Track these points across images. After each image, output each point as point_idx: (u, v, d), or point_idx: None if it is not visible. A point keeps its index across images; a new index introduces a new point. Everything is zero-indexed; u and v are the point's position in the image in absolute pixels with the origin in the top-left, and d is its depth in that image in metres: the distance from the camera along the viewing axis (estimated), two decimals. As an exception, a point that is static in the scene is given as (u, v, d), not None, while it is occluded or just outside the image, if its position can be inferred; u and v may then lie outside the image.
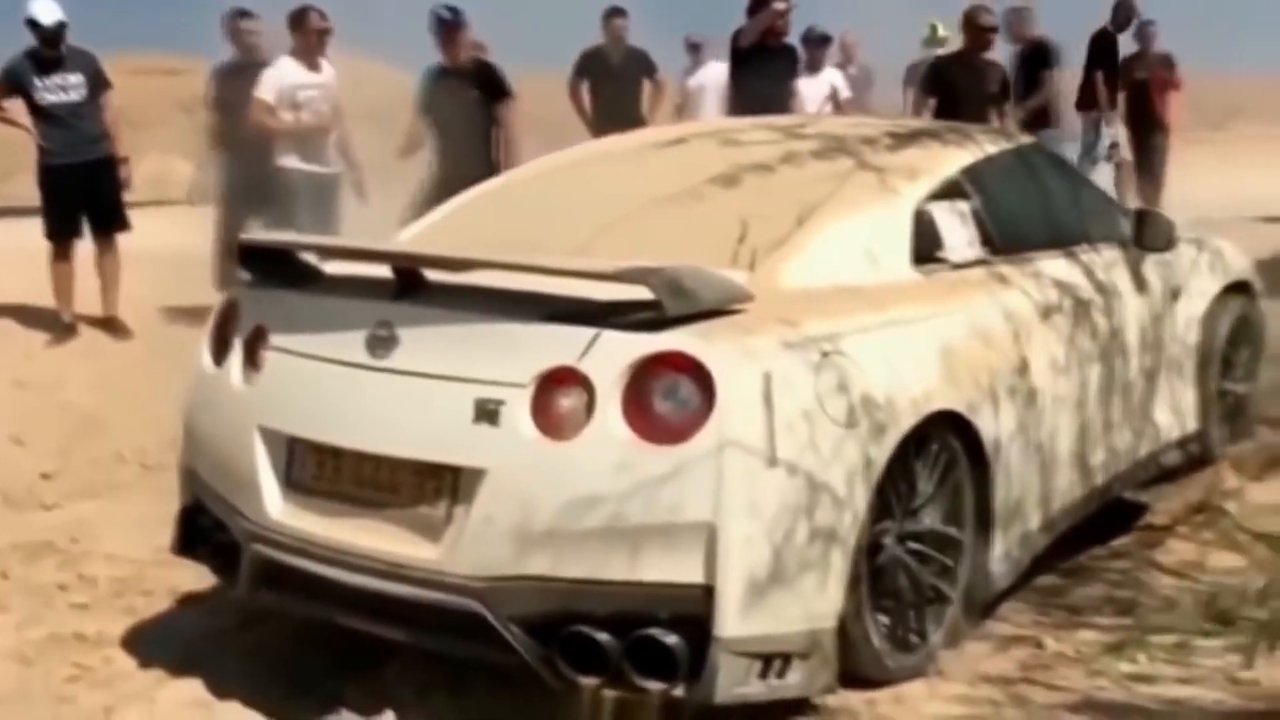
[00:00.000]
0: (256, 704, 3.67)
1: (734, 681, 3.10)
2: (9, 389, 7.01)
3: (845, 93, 9.86)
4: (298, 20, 7.96)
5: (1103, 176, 11.03)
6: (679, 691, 3.08)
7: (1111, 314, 4.47)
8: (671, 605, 3.07)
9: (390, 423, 3.32)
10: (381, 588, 3.28)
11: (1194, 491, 5.03)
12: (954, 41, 10.55)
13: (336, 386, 3.43)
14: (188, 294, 7.95)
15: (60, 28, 7.58)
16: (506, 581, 3.12)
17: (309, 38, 7.94)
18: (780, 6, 7.93)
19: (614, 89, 9.39)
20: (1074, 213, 4.72)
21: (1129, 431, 4.62)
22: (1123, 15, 11.14)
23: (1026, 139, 4.94)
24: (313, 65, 7.94)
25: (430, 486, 3.27)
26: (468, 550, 3.17)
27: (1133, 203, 10.91)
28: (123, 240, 7.84)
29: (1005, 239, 4.17)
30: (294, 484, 3.50)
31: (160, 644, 4.18)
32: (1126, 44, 11.34)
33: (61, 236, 7.72)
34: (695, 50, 11.07)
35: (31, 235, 7.92)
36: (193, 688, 3.78)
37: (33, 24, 7.55)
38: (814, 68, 9.92)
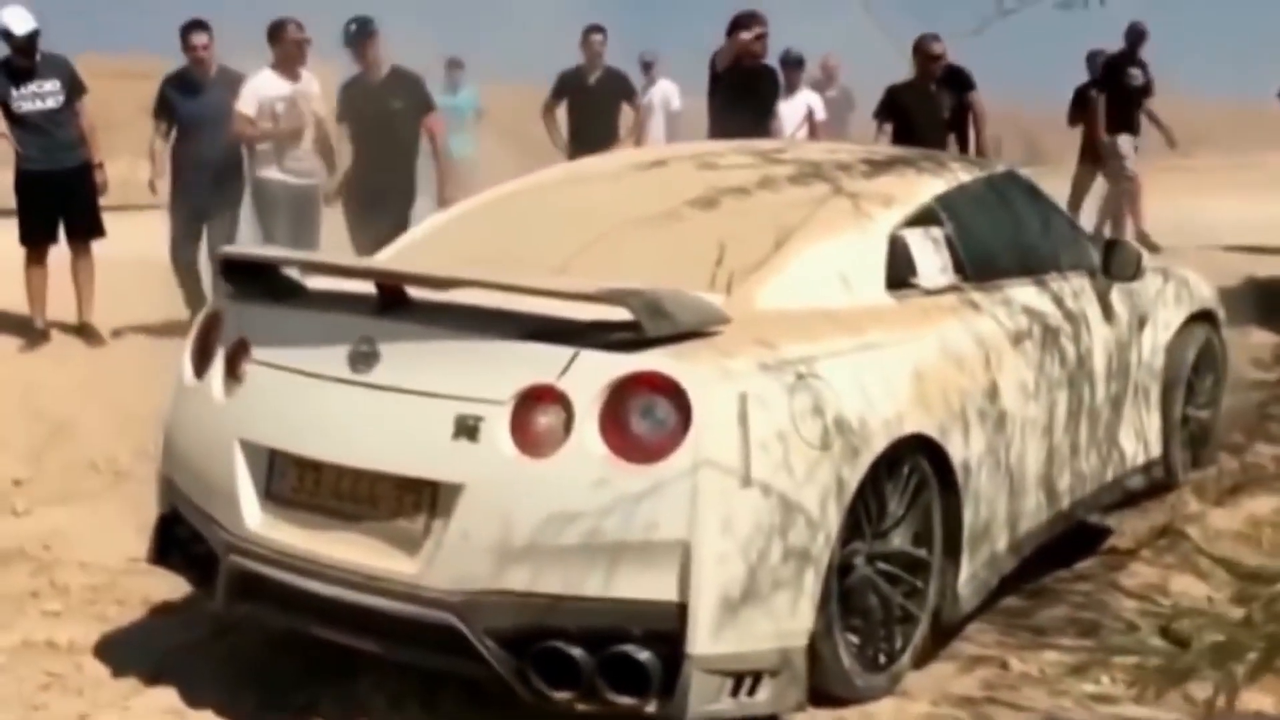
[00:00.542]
0: (230, 713, 3.70)
1: (705, 699, 3.15)
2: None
3: (820, 115, 9.95)
4: (275, 32, 7.96)
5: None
6: (651, 708, 3.13)
7: (1079, 341, 4.55)
8: (645, 622, 3.12)
9: (370, 437, 3.36)
10: (358, 600, 3.32)
11: (1157, 515, 5.12)
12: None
13: (318, 400, 3.46)
14: (159, 300, 7.99)
15: (33, 36, 7.59)
16: (482, 596, 3.17)
17: (287, 49, 7.95)
18: (746, 36, 7.88)
19: (591, 110, 9.42)
20: (1044, 241, 4.80)
21: (1094, 456, 4.70)
22: (1133, 39, 11.28)
23: (1000, 167, 5.02)
24: (292, 76, 7.95)
25: (409, 501, 3.31)
26: (444, 564, 3.21)
27: (1141, 222, 11.08)
28: (96, 246, 7.84)
29: (977, 266, 4.24)
30: (273, 496, 3.53)
31: (133, 652, 4.19)
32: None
33: (36, 242, 7.72)
34: (647, 69, 11.19)
35: (6, 240, 7.90)
36: (166, 696, 3.79)
37: (5, 34, 7.56)
38: (790, 89, 10.01)
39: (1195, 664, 3.07)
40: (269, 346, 3.62)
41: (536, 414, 3.20)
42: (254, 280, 3.80)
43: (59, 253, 7.85)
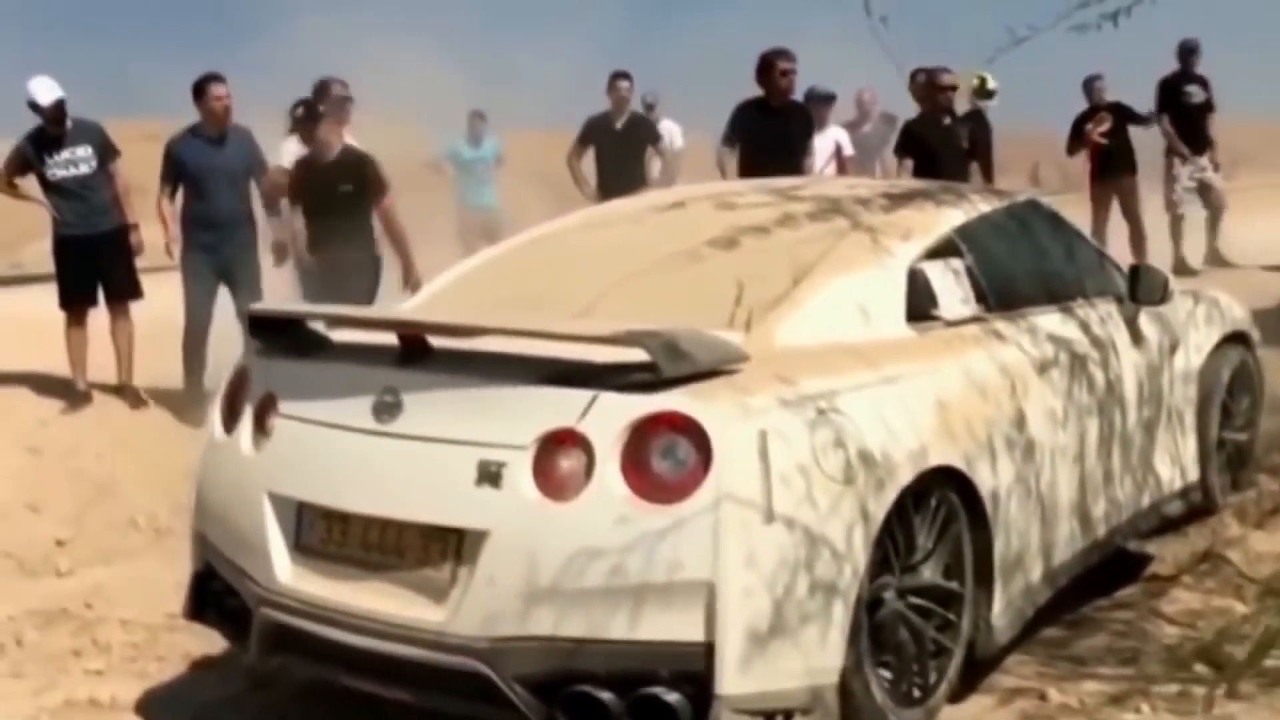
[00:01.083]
0: (267, 766, 3.73)
1: (736, 739, 3.13)
2: (24, 456, 7.08)
3: (849, 150, 9.94)
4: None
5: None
6: (681, 749, 3.11)
7: (1108, 367, 4.52)
8: (672, 663, 3.11)
9: (396, 487, 3.38)
10: (388, 650, 3.33)
11: (1197, 540, 5.07)
12: (1002, 92, 10.77)
13: (344, 452, 3.49)
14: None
15: (60, 105, 7.71)
16: (510, 642, 3.17)
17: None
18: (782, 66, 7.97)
19: (618, 155, 9.41)
20: (1069, 268, 4.79)
21: (1129, 482, 4.66)
22: (1184, 55, 11.24)
23: (1021, 196, 5.01)
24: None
25: (435, 549, 3.33)
26: (472, 611, 3.22)
27: (1214, 237, 10.97)
28: (135, 308, 7.95)
29: (1000, 295, 4.24)
30: (303, 548, 3.56)
31: (173, 708, 4.24)
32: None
33: (75, 305, 7.83)
34: (649, 110, 11.27)
35: (47, 303, 8.03)
36: (205, 751, 3.83)
37: (33, 105, 7.70)
38: (819, 125, 10.02)
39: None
40: (295, 400, 3.66)
41: (558, 457, 3.21)
42: (280, 335, 3.85)
43: (99, 315, 7.95)
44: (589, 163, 9.65)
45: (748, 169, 7.87)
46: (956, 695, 3.76)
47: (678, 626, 3.10)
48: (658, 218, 4.64)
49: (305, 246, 7.52)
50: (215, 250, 7.83)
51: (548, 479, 3.21)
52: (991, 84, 10.87)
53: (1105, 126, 11.05)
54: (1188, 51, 11.25)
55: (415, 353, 3.53)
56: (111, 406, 7.78)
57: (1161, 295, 4.85)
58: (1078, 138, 11.38)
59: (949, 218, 4.34)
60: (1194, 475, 5.12)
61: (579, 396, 3.22)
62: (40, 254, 8.53)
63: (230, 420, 3.85)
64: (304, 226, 7.50)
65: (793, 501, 3.19)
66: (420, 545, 3.35)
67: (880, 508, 3.38)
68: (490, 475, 3.24)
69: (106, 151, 7.86)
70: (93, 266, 7.76)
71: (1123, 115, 11.23)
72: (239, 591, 3.71)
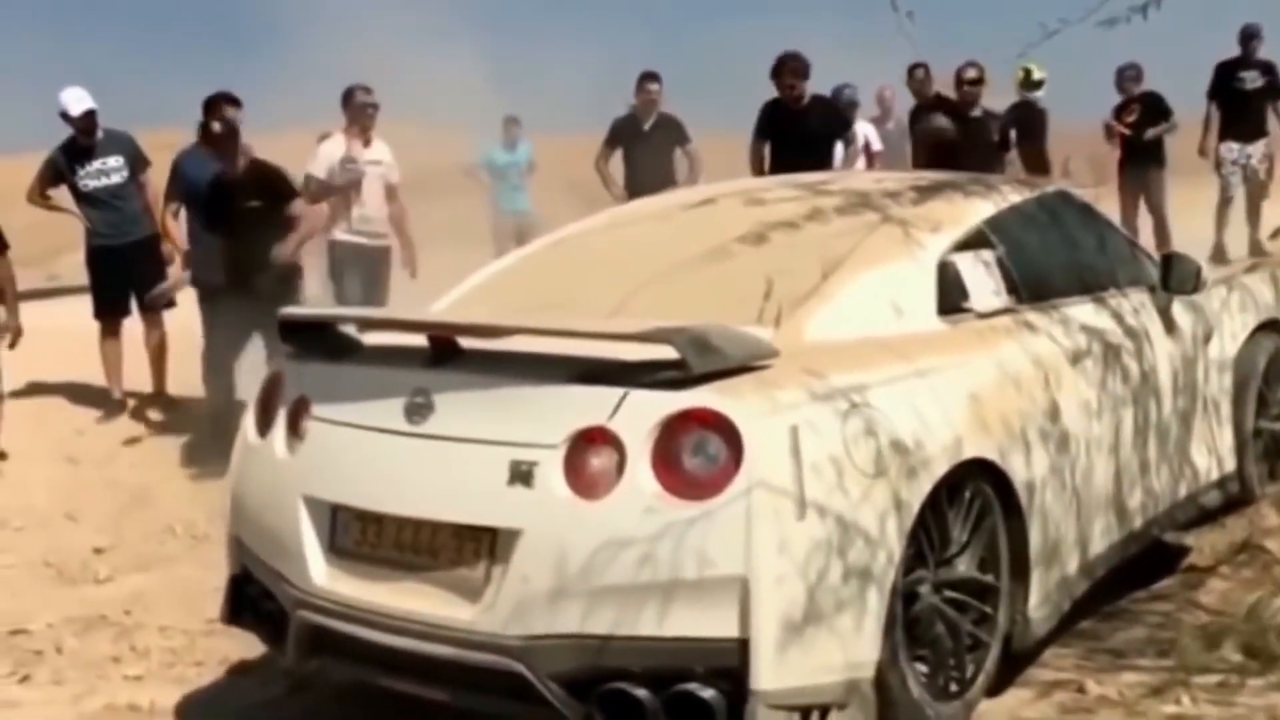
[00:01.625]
0: (306, 768, 3.75)
1: (772, 734, 3.13)
2: (61, 466, 7.17)
3: (876, 145, 9.94)
4: (346, 98, 8.17)
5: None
6: (717, 745, 3.11)
7: (1142, 357, 4.49)
8: (707, 659, 3.10)
9: (429, 487, 3.39)
10: (424, 650, 3.34)
11: (1235, 531, 5.01)
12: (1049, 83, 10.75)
13: (376, 454, 3.51)
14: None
15: (90, 115, 7.78)
16: (545, 640, 3.17)
17: (356, 112, 8.13)
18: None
19: (645, 156, 9.32)
20: (1100, 258, 4.75)
21: (1165, 473, 4.62)
22: (1244, 40, 11.17)
23: (1051, 187, 4.99)
24: (364, 141, 8.12)
25: (469, 548, 3.33)
26: (506, 610, 3.22)
27: (1255, 227, 10.92)
28: (169, 316, 8.00)
29: (1031, 287, 4.22)
30: (337, 550, 3.57)
31: (212, 713, 4.28)
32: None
33: (109, 315, 7.90)
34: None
35: (83, 314, 8.10)
36: (244, 755, 3.85)
37: (64, 116, 7.78)
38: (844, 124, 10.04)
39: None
40: (328, 403, 3.67)
41: (589, 456, 3.22)
42: (312, 339, 3.87)
43: (134, 325, 8.01)
44: (617, 164, 9.65)
45: (776, 167, 7.90)
46: (994, 688, 3.74)
47: (712, 622, 3.10)
48: (686, 215, 4.64)
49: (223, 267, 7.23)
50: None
51: (579, 477, 3.21)
52: (1037, 74, 10.81)
53: (1132, 119, 11.00)
54: (1248, 36, 11.14)
55: (446, 354, 3.54)
56: (147, 415, 7.85)
57: (1194, 284, 4.81)
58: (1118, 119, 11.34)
59: (979, 209, 4.32)
60: (1231, 465, 5.07)
61: (609, 395, 3.22)
62: (76, 265, 8.61)
63: (264, 424, 3.87)
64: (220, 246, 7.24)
65: (825, 496, 3.19)
66: (454, 545, 3.36)
67: (914, 501, 3.37)
68: (522, 474, 3.25)
69: (137, 161, 7.93)
70: (125, 276, 7.83)
71: (1152, 108, 11.16)
72: (275, 595, 3.73)
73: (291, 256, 7.18)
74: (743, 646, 3.09)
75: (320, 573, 3.57)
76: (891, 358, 3.56)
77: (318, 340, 3.86)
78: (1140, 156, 11.07)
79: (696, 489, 3.12)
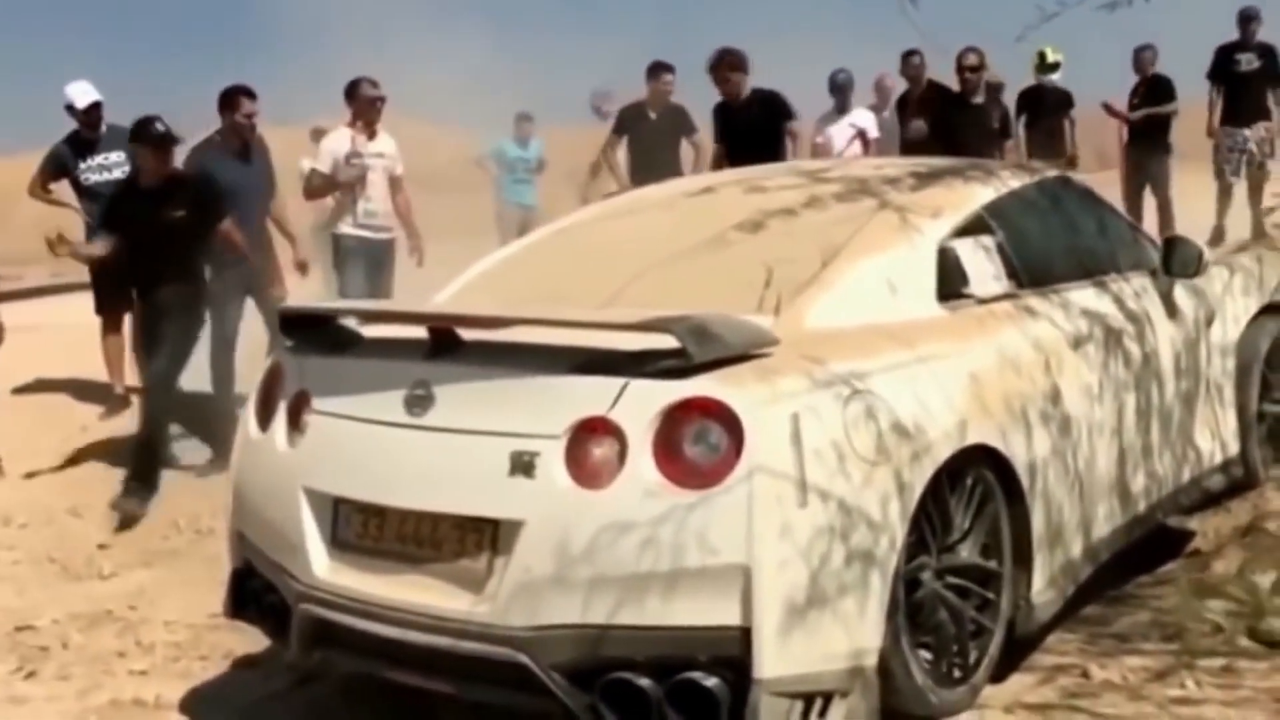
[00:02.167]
0: (311, 761, 3.75)
1: (776, 722, 3.12)
2: (65, 462, 7.16)
3: (874, 133, 9.91)
4: (351, 90, 8.12)
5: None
6: (720, 734, 3.11)
7: (1143, 341, 4.48)
8: (710, 648, 3.11)
9: (430, 479, 3.39)
10: (427, 641, 3.34)
11: (1239, 514, 5.01)
12: (1064, 66, 10.79)
13: (377, 446, 3.51)
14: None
15: (96, 108, 7.78)
16: (548, 630, 3.18)
17: (361, 106, 8.09)
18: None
19: (651, 146, 9.24)
20: (1101, 243, 4.74)
21: (1169, 457, 4.62)
22: (1241, 23, 11.16)
23: (1051, 172, 4.97)
24: (369, 134, 8.10)
25: (471, 540, 3.33)
26: (509, 601, 3.22)
27: (1257, 211, 10.92)
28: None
29: (1032, 272, 4.21)
30: (339, 543, 3.58)
31: (217, 706, 4.28)
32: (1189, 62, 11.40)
33: (111, 311, 7.89)
34: (599, 109, 11.32)
35: (86, 310, 8.10)
36: (249, 748, 3.86)
37: (69, 108, 7.77)
38: (840, 110, 10.04)
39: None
40: (328, 396, 3.67)
41: (590, 446, 3.21)
42: (312, 332, 3.87)
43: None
44: (625, 154, 9.61)
45: (727, 164, 7.89)
46: (998, 673, 3.74)
47: (714, 611, 3.10)
48: (686, 204, 4.63)
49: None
50: (238, 263, 7.47)
51: (581, 468, 3.21)
52: (1052, 57, 10.77)
53: (1137, 100, 10.98)
54: (1246, 19, 11.12)
55: (446, 346, 3.54)
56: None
57: (1196, 268, 4.80)
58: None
59: (978, 195, 4.31)
60: (1234, 449, 5.06)
61: (610, 385, 3.22)
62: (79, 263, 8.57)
63: (265, 418, 3.87)
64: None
65: (827, 483, 3.18)
66: (456, 537, 3.36)
67: (916, 488, 3.37)
68: (524, 465, 3.25)
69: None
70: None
71: (1156, 91, 11.14)
72: (278, 588, 3.74)
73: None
74: (745, 635, 3.09)
75: (322, 566, 3.57)
76: (892, 344, 3.55)
77: (317, 333, 3.85)
78: (1145, 140, 11.07)
79: (698, 478, 3.12)
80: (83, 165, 7.81)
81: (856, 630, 3.24)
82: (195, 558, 5.79)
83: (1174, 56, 11.51)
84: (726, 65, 8.28)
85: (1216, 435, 4.96)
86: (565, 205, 9.79)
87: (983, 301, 3.98)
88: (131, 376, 7.90)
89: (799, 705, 3.17)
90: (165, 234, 6.62)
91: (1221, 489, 5.05)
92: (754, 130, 8.14)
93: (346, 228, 8.10)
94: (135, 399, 7.84)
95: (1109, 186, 8.13)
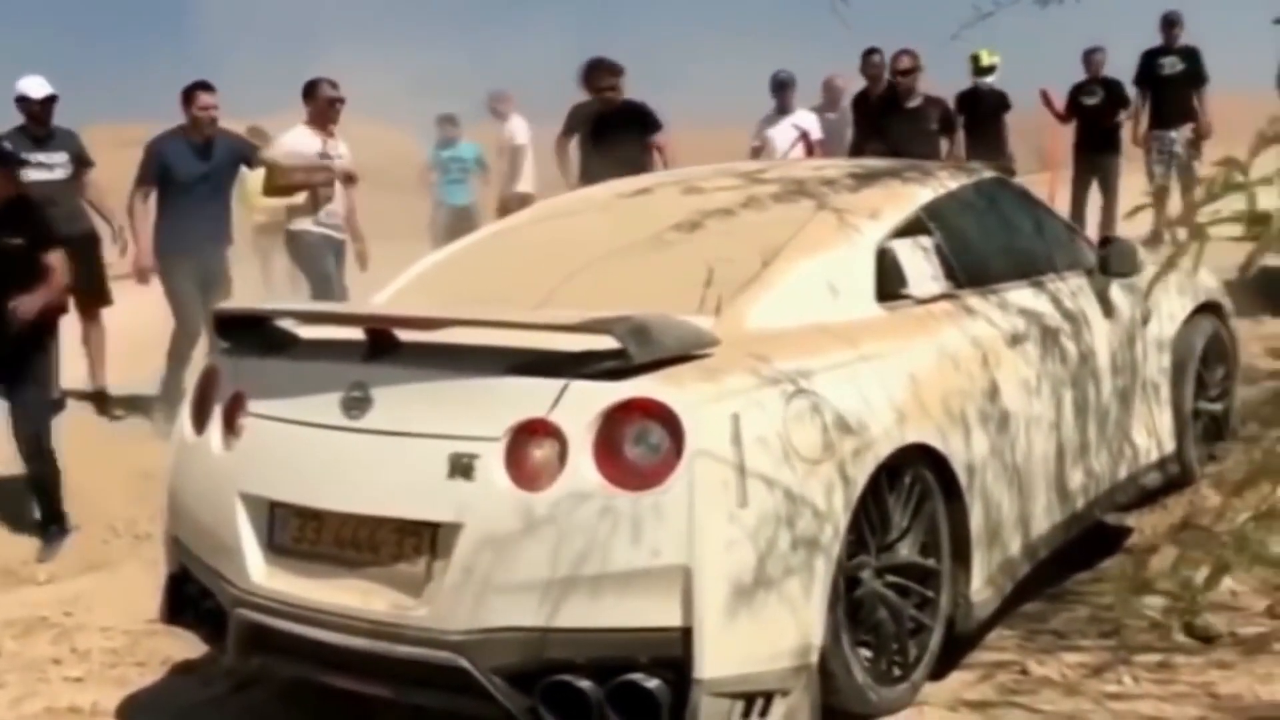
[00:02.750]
0: (250, 767, 3.71)
1: (717, 723, 3.12)
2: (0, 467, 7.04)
3: (816, 134, 9.93)
4: (310, 90, 8.06)
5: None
6: (662, 735, 3.10)
7: (1081, 340, 4.53)
8: (651, 649, 3.10)
9: (368, 482, 3.36)
10: (366, 646, 3.31)
11: (1175, 512, 5.07)
12: (1001, 67, 10.91)
13: (314, 449, 3.47)
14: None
15: (50, 102, 7.69)
16: (487, 634, 3.16)
17: (320, 106, 8.03)
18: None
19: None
20: (1038, 243, 4.79)
21: (1106, 455, 4.67)
22: (1163, 27, 11.32)
23: (988, 173, 5.01)
24: (325, 134, 8.04)
25: (409, 543, 3.31)
26: (448, 604, 3.20)
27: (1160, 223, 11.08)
28: (108, 314, 7.90)
29: (970, 272, 4.24)
30: (276, 547, 3.54)
31: (154, 713, 4.23)
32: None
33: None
34: (496, 110, 11.46)
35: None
36: (187, 755, 3.81)
37: (22, 99, 7.66)
38: (782, 110, 10.00)
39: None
40: (264, 398, 3.63)
41: (530, 448, 3.20)
42: (247, 334, 3.82)
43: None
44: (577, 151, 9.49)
45: (588, 171, 7.92)
46: (937, 671, 3.76)
47: (655, 612, 3.09)
48: (626, 205, 4.63)
49: None
50: (193, 256, 7.62)
51: (521, 470, 3.19)
52: (987, 60, 10.88)
53: (1094, 102, 11.15)
54: (1169, 24, 11.31)
55: (383, 347, 3.51)
56: (86, 414, 7.74)
57: (1132, 267, 4.85)
58: (1071, 107, 11.50)
59: (917, 196, 4.34)
60: (1171, 447, 5.12)
61: (550, 386, 3.21)
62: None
63: (200, 421, 3.83)
64: None
65: (768, 483, 3.19)
66: (394, 540, 3.33)
67: (855, 487, 3.38)
68: (463, 468, 3.23)
69: (82, 160, 7.83)
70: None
71: (1114, 94, 11.30)
72: (214, 593, 3.69)
73: (31, 316, 6.00)
74: (686, 635, 3.09)
75: (259, 570, 3.54)
76: (832, 344, 3.57)
77: (253, 335, 3.81)
78: (1098, 141, 11.23)
79: (639, 479, 3.11)
80: (25, 161, 7.68)
81: (797, 629, 3.24)
82: (133, 563, 5.71)
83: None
84: (606, 72, 8.22)
85: (1153, 433, 5.01)
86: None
87: (921, 302, 4.00)
88: (66, 380, 7.78)
89: (740, 705, 3.17)
90: (4, 260, 6.02)
91: (1158, 486, 5.11)
92: (621, 140, 8.07)
93: (309, 225, 7.98)
94: (71, 402, 7.74)
95: (1041, 188, 8.21)
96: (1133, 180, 11.57)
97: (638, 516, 3.09)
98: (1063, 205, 10.13)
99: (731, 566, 3.13)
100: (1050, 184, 11.91)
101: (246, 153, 7.95)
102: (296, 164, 7.88)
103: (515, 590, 3.15)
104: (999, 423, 3.96)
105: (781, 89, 10.00)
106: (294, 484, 3.50)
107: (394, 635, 3.27)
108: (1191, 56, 11.31)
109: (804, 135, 9.75)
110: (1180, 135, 11.30)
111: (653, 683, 3.09)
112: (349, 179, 8.14)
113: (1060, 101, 11.73)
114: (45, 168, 7.70)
